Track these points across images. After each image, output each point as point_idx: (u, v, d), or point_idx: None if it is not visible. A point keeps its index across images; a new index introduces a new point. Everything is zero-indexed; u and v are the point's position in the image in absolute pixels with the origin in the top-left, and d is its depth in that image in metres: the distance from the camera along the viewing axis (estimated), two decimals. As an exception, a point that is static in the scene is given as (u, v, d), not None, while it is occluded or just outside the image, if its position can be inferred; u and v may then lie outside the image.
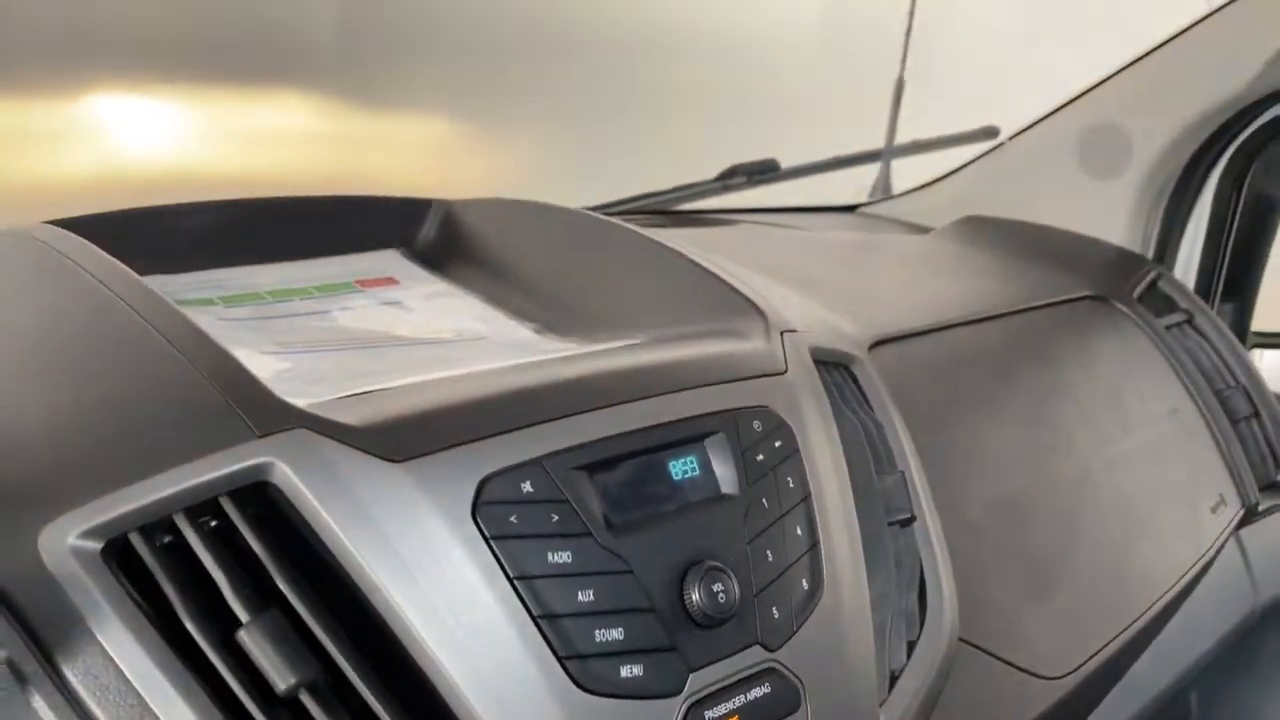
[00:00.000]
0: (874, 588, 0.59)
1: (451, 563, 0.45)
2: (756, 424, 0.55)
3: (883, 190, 1.33)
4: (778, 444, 0.56)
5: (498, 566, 0.46)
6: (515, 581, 0.46)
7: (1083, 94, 1.13)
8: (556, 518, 0.48)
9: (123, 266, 0.56)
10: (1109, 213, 1.11)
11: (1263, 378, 1.07)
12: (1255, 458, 0.99)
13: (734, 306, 0.65)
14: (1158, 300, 1.05)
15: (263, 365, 0.59)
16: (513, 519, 0.47)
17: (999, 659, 0.70)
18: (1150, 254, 1.12)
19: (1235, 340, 1.05)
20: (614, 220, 0.76)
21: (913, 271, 0.97)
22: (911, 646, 0.61)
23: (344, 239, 0.82)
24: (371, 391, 0.53)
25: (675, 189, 1.16)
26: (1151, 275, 1.05)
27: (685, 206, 1.17)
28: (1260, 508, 0.97)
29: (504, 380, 0.53)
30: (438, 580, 0.45)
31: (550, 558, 0.47)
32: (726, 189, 1.17)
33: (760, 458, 0.55)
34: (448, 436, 0.47)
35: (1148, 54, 1.07)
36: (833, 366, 0.66)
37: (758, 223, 1.17)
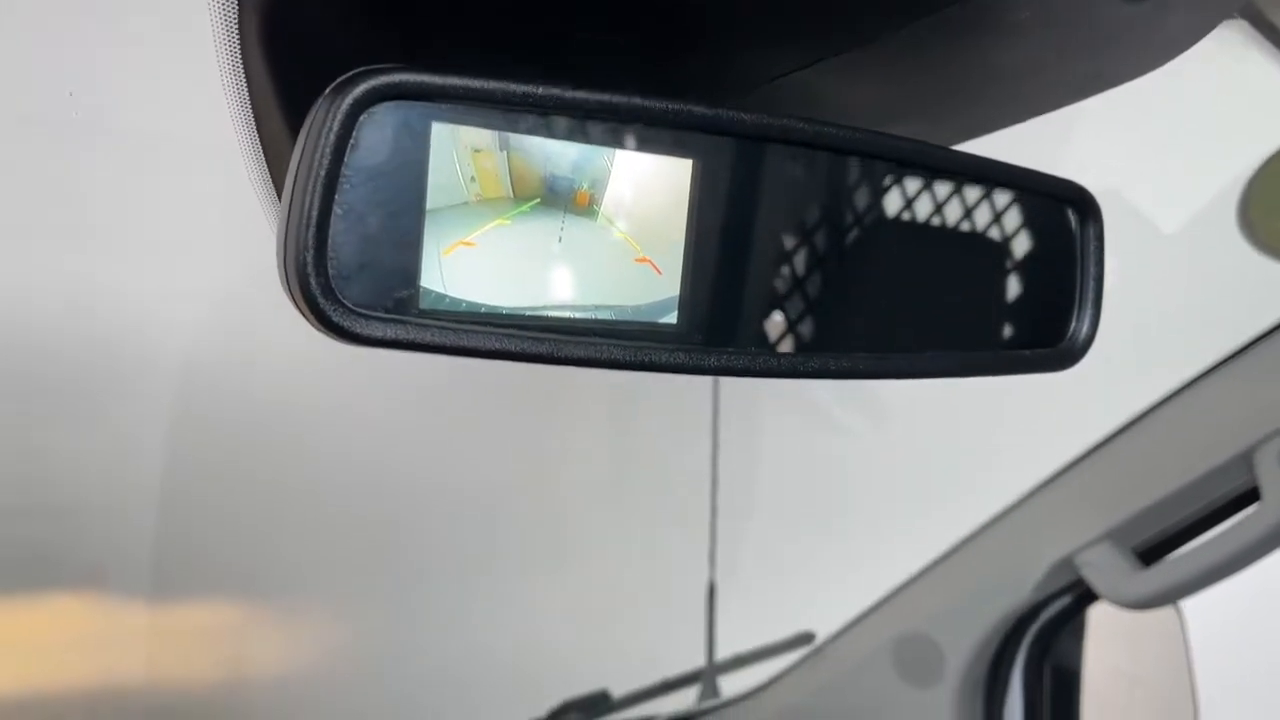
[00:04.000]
0: None
1: None
2: None
3: (711, 691, 1.34)
4: None
5: None
6: None
7: (887, 600, 1.20)
8: None
9: None
10: (934, 715, 1.15)
11: None
12: None
13: None
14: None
15: None
16: None
17: None
18: (979, 751, 1.16)
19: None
20: None
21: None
22: None
23: None
24: None
25: (509, 735, 1.12)
26: (990, 786, 1.07)
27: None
28: None
29: None
30: None
31: None
32: (561, 728, 1.14)
33: None
34: None
35: (938, 564, 1.16)
36: None
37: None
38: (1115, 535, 1.06)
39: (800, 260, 0.38)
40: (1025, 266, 0.43)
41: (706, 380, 1.54)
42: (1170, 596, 1.03)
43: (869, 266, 0.40)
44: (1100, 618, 1.30)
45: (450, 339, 0.32)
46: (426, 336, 0.32)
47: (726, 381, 1.56)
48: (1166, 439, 1.04)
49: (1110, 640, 1.32)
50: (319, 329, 0.31)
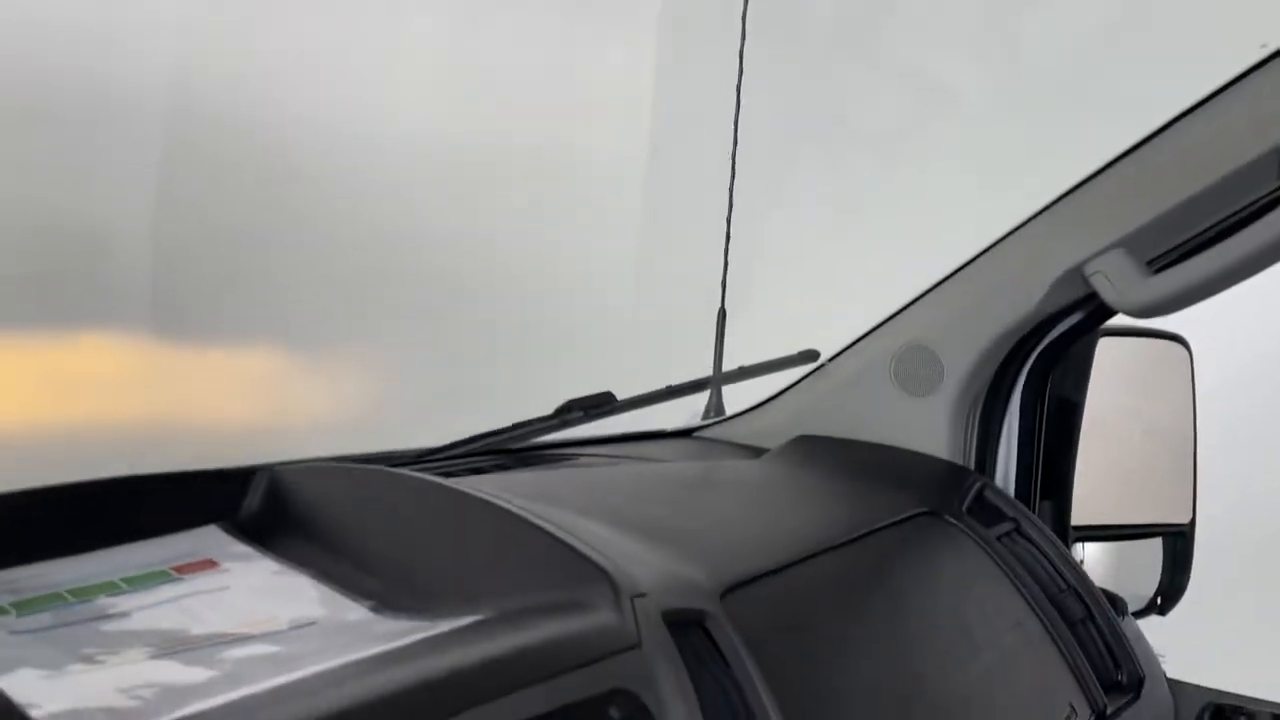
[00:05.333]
0: None
1: None
2: (614, 712, 0.53)
3: (716, 411, 1.36)
4: (636, 729, 0.53)
5: None
6: None
7: (892, 317, 1.19)
8: None
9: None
10: (929, 427, 1.16)
11: (1088, 575, 1.12)
12: (1096, 660, 1.02)
13: (581, 573, 0.63)
14: (985, 510, 1.08)
15: (58, 694, 0.53)
16: None
17: None
18: (971, 464, 1.17)
19: (1059, 542, 1.10)
20: (449, 485, 0.74)
21: (753, 503, 0.97)
22: None
23: (157, 520, 0.77)
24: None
25: (513, 426, 1.14)
26: (977, 486, 1.09)
27: (525, 444, 1.15)
28: (1109, 710, 0.99)
29: (333, 696, 0.49)
30: None
31: None
32: (564, 424, 1.16)
33: (619, 749, 0.52)
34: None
35: (946, 280, 1.15)
36: (687, 626, 0.65)
37: (598, 455, 1.16)
38: (1128, 243, 1.03)
39: None
40: None
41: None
42: (1182, 301, 1.01)
43: None
44: (1108, 350, 1.29)
45: None
46: None
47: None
48: (1192, 143, 1.00)
49: (1116, 374, 1.31)
50: None
